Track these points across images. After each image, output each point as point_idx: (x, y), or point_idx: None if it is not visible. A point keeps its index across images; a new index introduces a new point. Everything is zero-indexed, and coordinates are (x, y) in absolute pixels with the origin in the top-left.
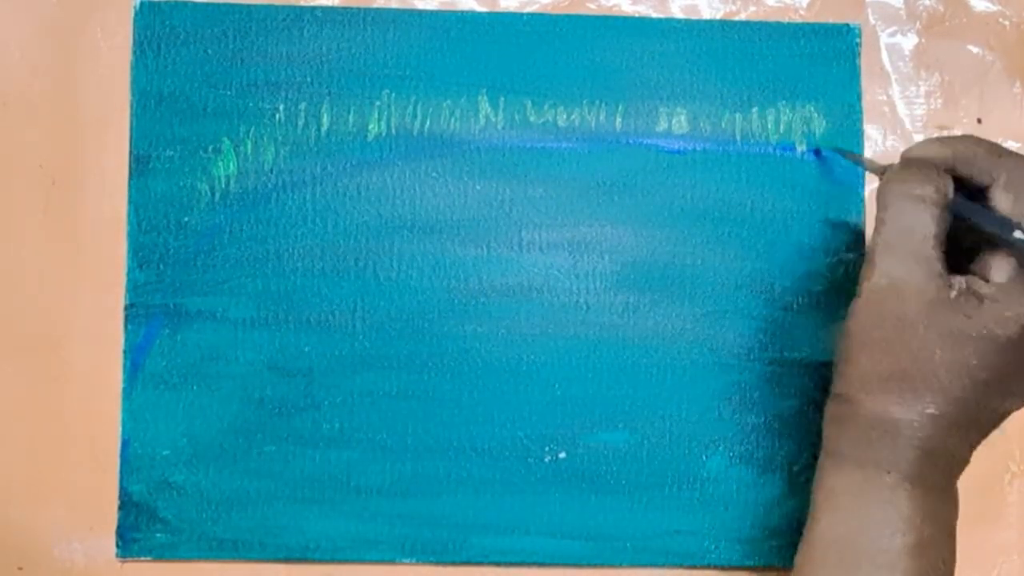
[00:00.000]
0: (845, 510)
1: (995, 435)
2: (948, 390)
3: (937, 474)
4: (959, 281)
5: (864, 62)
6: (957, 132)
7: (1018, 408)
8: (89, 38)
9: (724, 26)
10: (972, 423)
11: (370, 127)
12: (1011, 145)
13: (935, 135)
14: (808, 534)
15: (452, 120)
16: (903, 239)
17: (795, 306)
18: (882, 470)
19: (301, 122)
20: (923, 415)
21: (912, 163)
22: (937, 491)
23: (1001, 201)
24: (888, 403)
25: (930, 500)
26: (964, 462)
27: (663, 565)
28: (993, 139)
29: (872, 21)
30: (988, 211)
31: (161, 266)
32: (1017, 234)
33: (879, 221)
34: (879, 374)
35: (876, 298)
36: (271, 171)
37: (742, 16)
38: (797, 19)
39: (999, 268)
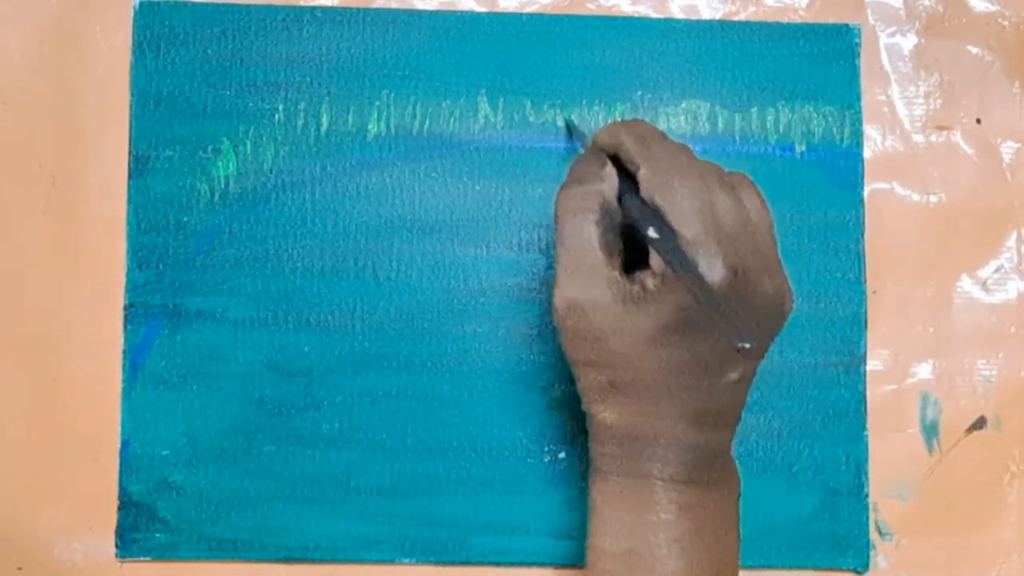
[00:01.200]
0: (611, 522)
1: (995, 435)
2: (662, 388)
3: (692, 469)
4: (632, 280)
5: (864, 62)
6: (957, 132)
7: (743, 374)
8: (89, 38)
9: (723, 26)
10: (702, 410)
11: (370, 127)
12: (1011, 145)
13: (933, 135)
14: (586, 550)
15: (452, 120)
16: (574, 256)
17: (795, 306)
18: (636, 478)
19: (301, 122)
20: (651, 417)
21: (582, 161)
22: (698, 485)
23: (644, 192)
24: (619, 413)
25: (690, 495)
26: (721, 444)
27: None
28: (993, 139)
29: (872, 21)
30: (639, 202)
31: (161, 266)
32: (651, 231)
33: (555, 238)
34: (601, 386)
35: (565, 318)
36: (271, 171)
37: (742, 16)
38: (797, 19)
39: (654, 257)
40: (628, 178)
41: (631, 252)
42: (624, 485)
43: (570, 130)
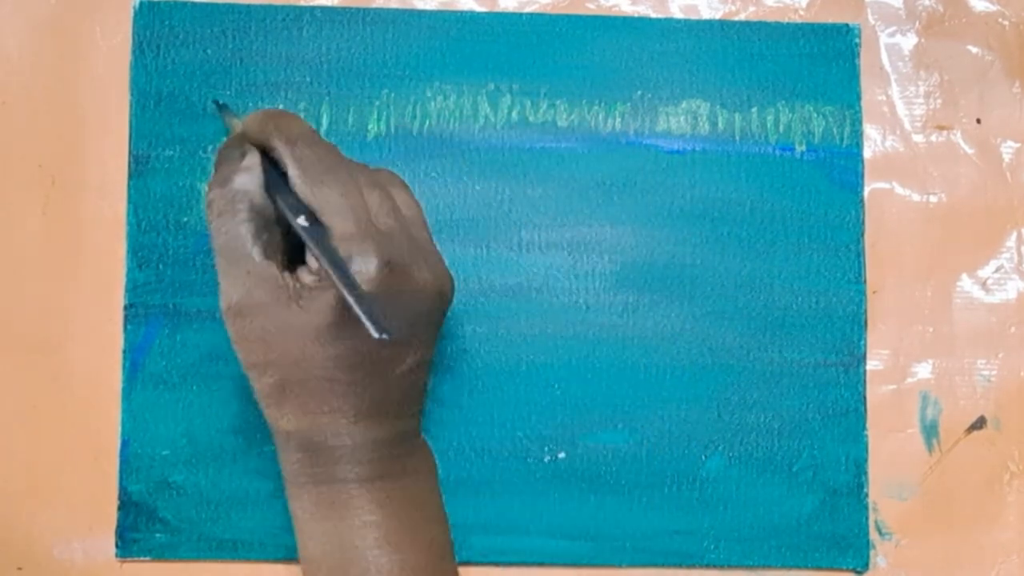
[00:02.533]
0: (316, 533)
1: (995, 435)
2: (334, 386)
3: (382, 464)
4: (291, 278)
5: (864, 62)
6: (957, 132)
7: (418, 360)
8: (89, 38)
9: (723, 26)
10: (380, 404)
11: (370, 127)
12: (1011, 145)
13: (933, 135)
14: (300, 563)
15: (452, 120)
16: (230, 259)
17: (795, 306)
18: (329, 484)
19: None
20: (329, 418)
21: (225, 154)
22: (392, 478)
23: (298, 191)
24: (297, 418)
25: (386, 491)
26: (406, 433)
27: (663, 565)
28: (993, 139)
29: (872, 21)
30: (289, 194)
31: (161, 266)
32: (300, 220)
33: (211, 241)
34: (274, 391)
35: (231, 323)
36: None
37: (741, 16)
38: (797, 19)
39: (309, 253)
40: (275, 167)
41: (292, 242)
42: (319, 493)
43: (220, 111)
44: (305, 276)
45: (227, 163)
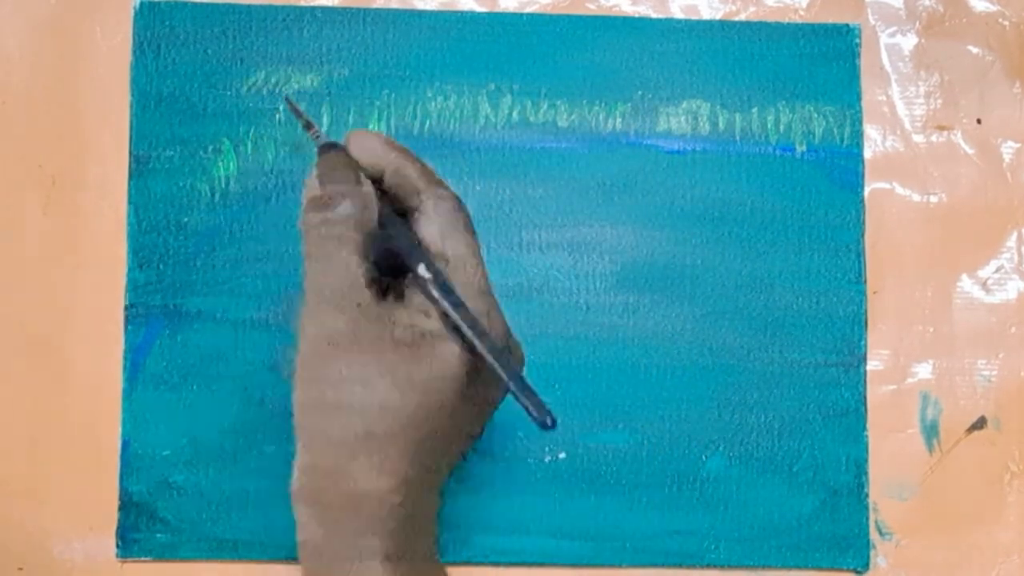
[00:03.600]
0: None
1: (995, 435)
2: (414, 444)
3: (416, 542)
4: (403, 319)
5: (864, 62)
6: (957, 132)
7: (460, 451)
8: (89, 38)
9: (724, 26)
10: (438, 475)
11: (370, 127)
12: (1011, 145)
13: (933, 135)
14: None
15: (452, 120)
16: (332, 285)
17: (795, 306)
18: (359, 556)
19: (302, 122)
20: (394, 479)
21: (333, 173)
22: (419, 559)
23: (423, 228)
24: (357, 473)
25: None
26: (432, 524)
27: (663, 565)
28: (993, 139)
29: (872, 21)
30: (408, 235)
31: (161, 266)
32: (421, 269)
33: (306, 264)
34: (343, 440)
35: (317, 354)
36: (271, 171)
37: (742, 16)
38: (797, 19)
39: (428, 299)
40: (383, 198)
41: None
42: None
43: (296, 113)
44: (424, 321)
45: (337, 183)
